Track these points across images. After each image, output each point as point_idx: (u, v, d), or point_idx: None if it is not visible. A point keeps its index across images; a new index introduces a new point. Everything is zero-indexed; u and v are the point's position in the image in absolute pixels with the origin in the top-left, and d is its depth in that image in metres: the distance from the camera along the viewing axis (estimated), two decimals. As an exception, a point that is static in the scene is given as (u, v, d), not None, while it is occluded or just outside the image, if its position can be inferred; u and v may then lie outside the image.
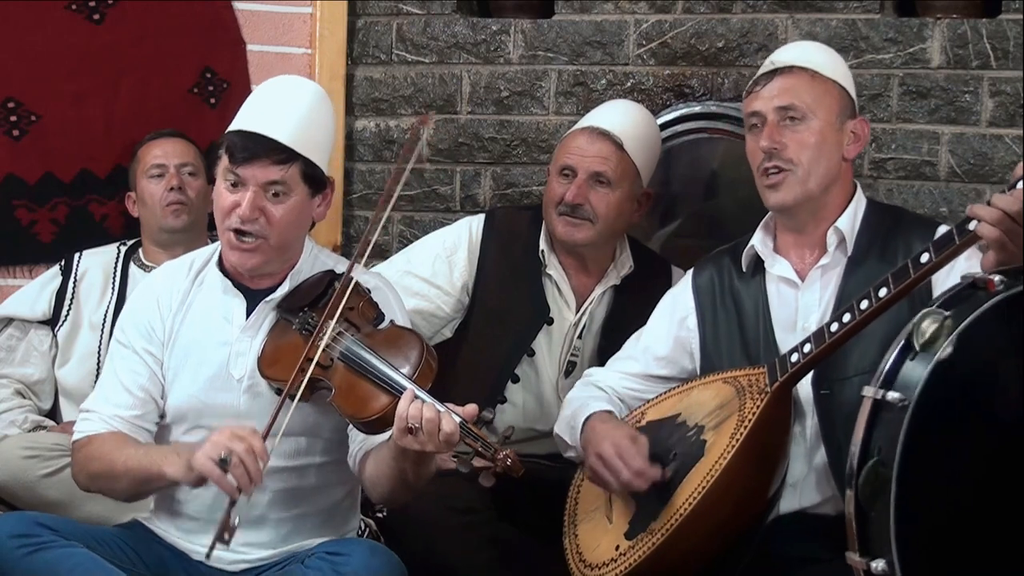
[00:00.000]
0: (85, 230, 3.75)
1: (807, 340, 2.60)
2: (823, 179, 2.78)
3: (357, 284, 2.71)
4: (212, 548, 2.49)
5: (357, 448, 2.69)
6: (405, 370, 2.58)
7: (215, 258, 2.83)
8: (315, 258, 2.83)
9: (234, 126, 2.73)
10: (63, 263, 3.63)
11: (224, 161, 2.71)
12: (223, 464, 2.47)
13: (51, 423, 3.53)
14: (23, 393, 3.56)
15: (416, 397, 2.50)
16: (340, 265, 2.83)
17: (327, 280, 2.74)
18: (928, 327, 2.23)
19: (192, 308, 2.80)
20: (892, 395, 2.22)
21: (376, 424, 2.57)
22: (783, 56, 2.88)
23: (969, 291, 2.31)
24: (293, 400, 2.58)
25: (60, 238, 3.75)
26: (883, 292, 2.48)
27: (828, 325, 2.57)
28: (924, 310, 2.27)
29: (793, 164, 2.76)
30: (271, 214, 2.68)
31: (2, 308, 3.62)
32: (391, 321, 2.74)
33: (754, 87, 2.84)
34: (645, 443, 2.75)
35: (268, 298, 2.76)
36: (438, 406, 2.49)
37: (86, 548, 2.61)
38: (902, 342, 2.26)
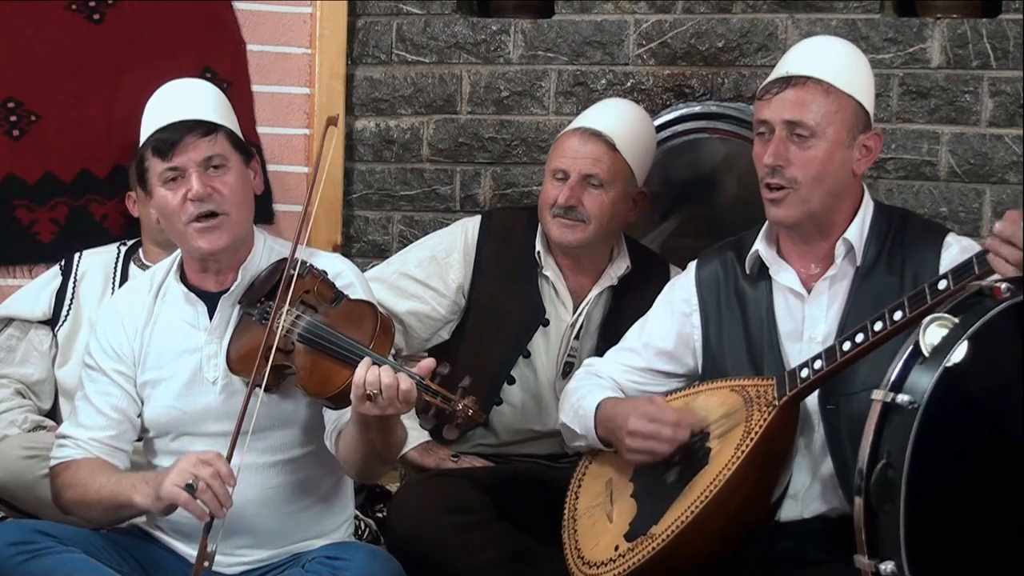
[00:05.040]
0: (85, 230, 3.74)
1: (818, 356, 2.59)
2: (827, 197, 2.71)
3: (311, 267, 2.74)
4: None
5: (331, 428, 2.71)
6: (362, 340, 2.60)
7: (173, 269, 2.85)
8: (270, 249, 2.85)
9: (146, 132, 2.77)
10: (63, 263, 3.63)
11: (155, 166, 2.74)
12: (190, 490, 2.49)
13: (51, 423, 3.52)
14: (23, 393, 3.55)
15: (372, 364, 2.51)
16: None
17: (280, 269, 2.74)
18: (936, 333, 2.24)
19: (158, 322, 2.82)
20: (902, 398, 2.22)
21: (341, 398, 2.59)
22: (801, 60, 2.76)
23: (976, 298, 2.32)
24: (260, 389, 2.61)
25: (60, 238, 3.75)
26: (898, 315, 2.47)
27: (840, 344, 2.56)
28: (931, 316, 2.28)
29: (796, 183, 2.70)
30: (220, 187, 2.72)
31: (2, 308, 3.61)
32: (346, 296, 2.77)
33: (766, 92, 2.75)
34: (662, 399, 2.79)
35: (224, 295, 2.79)
36: (395, 367, 2.51)
37: (84, 553, 2.62)
38: (910, 348, 2.27)
